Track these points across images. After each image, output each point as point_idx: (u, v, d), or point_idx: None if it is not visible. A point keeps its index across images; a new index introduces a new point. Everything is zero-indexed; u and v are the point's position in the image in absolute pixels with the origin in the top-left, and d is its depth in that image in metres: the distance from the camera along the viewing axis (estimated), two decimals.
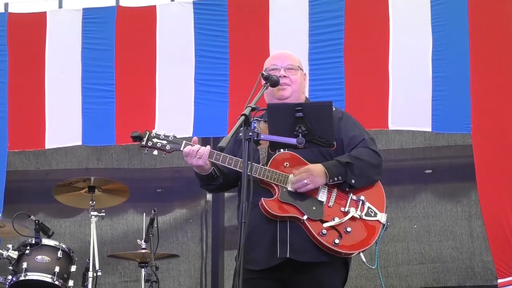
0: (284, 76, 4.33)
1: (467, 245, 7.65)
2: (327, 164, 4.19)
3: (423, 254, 7.76)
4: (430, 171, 7.87)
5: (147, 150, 4.31)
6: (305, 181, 4.13)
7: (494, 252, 6.71)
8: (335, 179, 4.17)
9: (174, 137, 4.28)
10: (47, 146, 7.57)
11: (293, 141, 4.00)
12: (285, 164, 4.21)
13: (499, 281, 6.61)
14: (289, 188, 4.16)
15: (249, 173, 3.80)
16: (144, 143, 4.28)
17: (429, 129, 6.98)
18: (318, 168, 4.16)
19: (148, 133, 4.30)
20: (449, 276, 7.65)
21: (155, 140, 4.28)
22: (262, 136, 4.01)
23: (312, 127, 4.01)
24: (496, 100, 6.89)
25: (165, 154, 4.31)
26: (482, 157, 6.83)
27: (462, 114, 6.87)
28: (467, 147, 7.16)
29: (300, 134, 4.00)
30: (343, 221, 4.14)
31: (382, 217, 4.21)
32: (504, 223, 6.67)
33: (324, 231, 4.12)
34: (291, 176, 4.17)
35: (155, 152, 4.31)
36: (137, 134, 4.29)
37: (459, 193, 7.78)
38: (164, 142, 4.27)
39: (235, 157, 4.18)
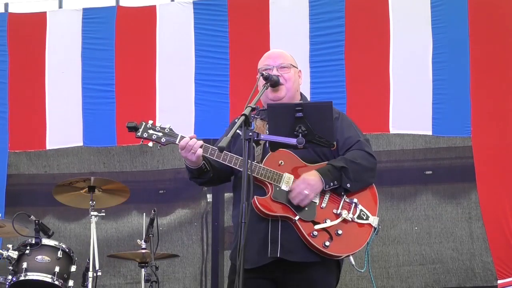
0: (277, 76, 4.28)
1: (467, 246, 7.65)
2: (322, 170, 4.13)
3: (423, 255, 7.75)
4: (430, 172, 7.87)
5: (142, 142, 4.28)
6: (305, 191, 4.07)
7: (494, 253, 6.72)
8: (331, 184, 4.12)
9: (170, 129, 4.25)
10: (48, 147, 7.56)
11: (293, 141, 3.96)
12: (280, 162, 4.17)
13: (499, 282, 6.62)
14: (283, 188, 4.11)
15: (249, 173, 3.78)
16: (139, 134, 4.26)
17: (429, 132, 6.98)
18: (313, 176, 4.11)
19: (144, 123, 4.28)
20: (449, 277, 7.65)
21: (150, 131, 4.25)
22: (262, 136, 3.99)
23: (312, 127, 3.97)
24: (496, 102, 6.89)
25: (160, 146, 4.28)
26: (482, 160, 6.83)
27: (462, 117, 6.87)
28: (466, 148, 7.17)
29: (300, 134, 3.95)
30: (334, 224, 4.11)
31: (374, 220, 4.17)
32: (503, 225, 6.67)
33: (315, 233, 4.08)
34: (285, 174, 4.13)
35: (150, 144, 4.29)
36: (133, 125, 4.27)
37: (459, 195, 7.77)
38: (160, 134, 4.24)
39: (230, 153, 4.13)
